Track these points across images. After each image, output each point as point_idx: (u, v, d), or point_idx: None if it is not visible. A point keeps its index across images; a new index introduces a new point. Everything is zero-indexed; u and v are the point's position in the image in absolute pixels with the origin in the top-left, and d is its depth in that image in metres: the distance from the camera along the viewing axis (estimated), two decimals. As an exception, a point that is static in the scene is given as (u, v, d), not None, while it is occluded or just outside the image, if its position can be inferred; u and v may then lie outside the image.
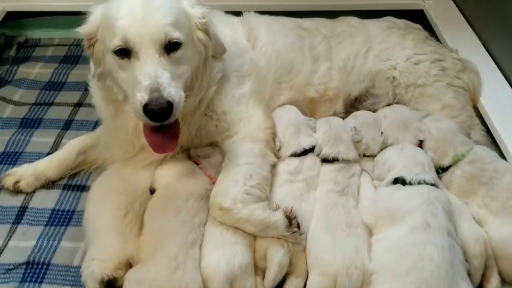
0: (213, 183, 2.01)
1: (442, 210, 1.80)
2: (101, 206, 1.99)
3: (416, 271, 1.62)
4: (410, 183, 1.90)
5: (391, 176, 1.95)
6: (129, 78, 1.78)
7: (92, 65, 2.04)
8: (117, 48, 1.77)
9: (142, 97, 1.69)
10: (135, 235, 1.90)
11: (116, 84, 1.92)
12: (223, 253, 1.77)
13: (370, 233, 1.90)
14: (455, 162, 2.09)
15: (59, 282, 1.91)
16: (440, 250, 1.66)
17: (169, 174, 2.06)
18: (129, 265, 1.82)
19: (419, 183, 1.89)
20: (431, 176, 1.95)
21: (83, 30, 1.89)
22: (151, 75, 1.71)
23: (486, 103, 2.42)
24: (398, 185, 1.90)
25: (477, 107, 2.46)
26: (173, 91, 1.72)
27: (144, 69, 1.73)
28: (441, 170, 2.11)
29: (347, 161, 2.13)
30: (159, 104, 1.68)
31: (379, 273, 1.71)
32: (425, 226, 1.73)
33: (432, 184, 1.91)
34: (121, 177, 2.09)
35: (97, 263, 1.79)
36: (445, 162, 2.11)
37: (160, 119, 1.72)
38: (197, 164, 2.12)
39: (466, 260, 1.77)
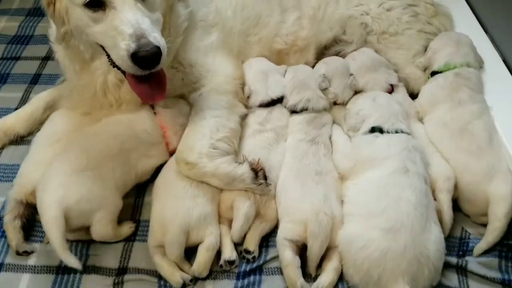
0: (164, 132, 2.01)
1: (420, 159, 1.84)
2: (42, 130, 2.12)
3: (393, 210, 1.67)
4: (388, 132, 1.91)
5: (368, 125, 1.97)
6: (107, 30, 1.71)
7: (52, 23, 1.96)
8: (88, 0, 1.70)
9: (128, 45, 1.64)
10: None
11: (84, 41, 1.86)
12: (182, 204, 1.80)
13: (341, 180, 1.92)
14: (445, 70, 2.14)
15: (30, 238, 1.93)
16: (417, 193, 1.71)
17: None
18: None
19: (396, 132, 1.91)
20: (406, 125, 1.97)
21: None
22: (133, 22, 1.66)
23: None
24: (376, 133, 1.92)
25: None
26: (157, 36, 1.69)
27: (124, 17, 1.67)
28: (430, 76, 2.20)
29: (317, 111, 2.12)
30: (149, 50, 1.63)
31: (354, 213, 1.75)
32: (405, 170, 1.77)
33: (408, 133, 1.93)
34: (73, 114, 2.11)
35: (16, 188, 1.95)
36: (435, 67, 2.19)
37: (151, 66, 1.68)
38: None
39: (434, 198, 1.83)
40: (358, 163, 1.87)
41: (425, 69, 2.31)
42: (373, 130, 1.94)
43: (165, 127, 2.04)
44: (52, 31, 2.03)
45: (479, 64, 2.24)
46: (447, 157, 1.96)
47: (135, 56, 1.64)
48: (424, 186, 1.76)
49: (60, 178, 1.80)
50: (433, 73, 2.23)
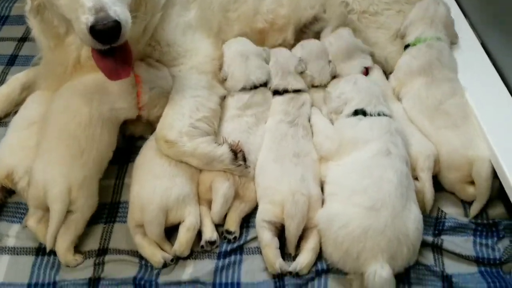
0: (138, 84, 1.98)
1: (402, 141, 1.87)
2: (18, 114, 2.10)
3: (375, 189, 1.70)
4: (371, 115, 1.94)
5: (351, 108, 1.98)
6: (70, 3, 1.68)
7: None
8: None
9: (87, 19, 1.61)
10: (31, 147, 1.92)
11: (57, 14, 1.84)
12: (160, 184, 1.80)
13: (322, 162, 1.94)
14: (415, 43, 2.20)
15: (8, 219, 1.94)
16: (399, 174, 1.74)
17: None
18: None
19: (378, 114, 1.94)
20: (387, 107, 2.00)
21: None
22: None
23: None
24: (360, 116, 1.94)
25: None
26: (119, 10, 1.65)
27: None
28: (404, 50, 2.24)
29: (296, 91, 2.13)
30: (106, 23, 1.60)
31: (336, 192, 1.77)
32: (387, 153, 1.79)
33: (389, 116, 1.96)
34: (48, 96, 2.06)
35: None
36: (407, 40, 2.24)
37: (109, 40, 1.65)
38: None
39: (415, 179, 1.86)
40: (341, 145, 1.89)
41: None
42: (356, 113, 1.96)
43: (140, 78, 1.99)
44: (28, 6, 1.99)
45: (453, 40, 2.29)
46: (425, 133, 2.01)
47: (93, 30, 1.61)
48: (405, 168, 1.79)
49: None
50: (406, 48, 2.27)
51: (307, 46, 2.29)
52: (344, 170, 1.83)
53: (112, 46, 1.68)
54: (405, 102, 2.12)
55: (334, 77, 2.24)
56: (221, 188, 1.84)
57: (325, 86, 2.23)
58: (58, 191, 1.76)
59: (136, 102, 1.99)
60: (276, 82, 2.15)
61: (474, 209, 1.88)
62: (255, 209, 1.88)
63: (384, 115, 1.94)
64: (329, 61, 2.24)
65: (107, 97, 1.93)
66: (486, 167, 1.85)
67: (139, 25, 1.96)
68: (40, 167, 1.81)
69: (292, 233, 1.73)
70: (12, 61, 2.55)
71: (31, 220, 1.83)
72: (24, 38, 2.66)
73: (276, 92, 2.14)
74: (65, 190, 1.76)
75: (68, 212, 1.78)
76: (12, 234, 1.88)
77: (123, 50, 1.75)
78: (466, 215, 1.91)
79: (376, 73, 2.26)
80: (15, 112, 2.21)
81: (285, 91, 2.13)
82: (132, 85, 1.98)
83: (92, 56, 1.77)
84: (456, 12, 2.46)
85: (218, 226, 1.87)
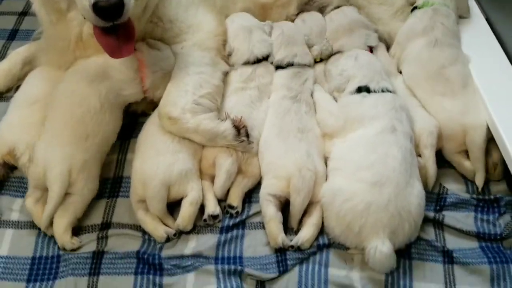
0: (141, 70, 1.98)
1: (406, 117, 1.87)
2: (19, 90, 2.08)
3: (379, 165, 1.71)
4: (374, 91, 1.93)
5: (354, 85, 1.97)
6: None
7: None
8: None
9: None
10: (33, 124, 1.93)
11: None
12: (163, 159, 1.81)
13: (325, 138, 1.94)
14: (422, 6, 2.19)
15: (12, 194, 1.93)
16: (403, 151, 1.75)
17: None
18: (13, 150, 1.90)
19: (382, 91, 1.93)
20: (390, 83, 1.99)
21: None
22: None
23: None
24: (364, 93, 1.93)
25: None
26: None
27: None
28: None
29: (302, 65, 2.12)
30: (109, 0, 1.59)
31: (341, 167, 1.78)
32: (392, 129, 1.80)
33: (393, 92, 1.96)
34: (50, 73, 2.07)
35: None
36: (417, 3, 2.23)
37: (112, 17, 1.63)
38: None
39: (419, 155, 1.87)
40: (347, 123, 1.89)
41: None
42: (359, 89, 1.95)
43: (143, 63, 1.99)
44: None
45: (465, 14, 2.28)
46: (423, 98, 2.01)
47: (96, 6, 1.60)
48: (409, 145, 1.79)
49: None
50: (413, 11, 2.25)
51: (309, 20, 2.27)
52: (349, 146, 1.83)
53: (114, 24, 1.66)
54: (405, 67, 2.11)
55: (335, 53, 2.21)
56: (224, 163, 1.84)
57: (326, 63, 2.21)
58: (58, 172, 1.76)
59: (141, 86, 1.99)
60: (280, 56, 2.13)
61: (478, 180, 1.89)
62: (257, 184, 1.89)
63: (388, 91, 1.93)
64: (325, 39, 2.22)
65: (114, 84, 1.94)
66: (480, 134, 1.86)
67: (141, 3, 1.94)
68: (42, 147, 1.82)
69: (297, 208, 1.75)
70: (12, 35, 2.52)
71: (29, 200, 1.83)
72: (25, 13, 2.64)
73: (279, 67, 2.13)
74: (65, 172, 1.76)
75: (67, 194, 1.79)
76: (16, 208, 1.89)
77: (125, 28, 1.74)
78: (468, 191, 1.92)
79: (380, 50, 2.23)
80: (17, 87, 2.20)
81: (290, 64, 2.11)
82: (136, 70, 1.98)
83: (94, 33, 1.75)
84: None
85: (221, 201, 1.88)
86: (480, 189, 1.89)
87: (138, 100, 2.02)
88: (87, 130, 1.84)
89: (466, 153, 1.93)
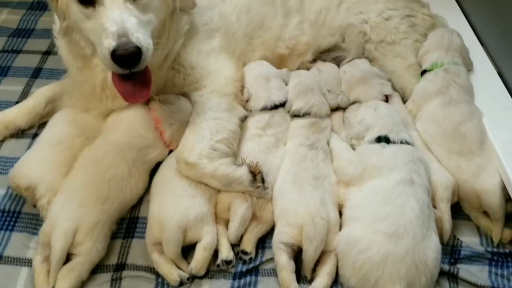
0: (158, 126, 2.04)
1: (424, 171, 1.89)
2: (45, 130, 2.12)
3: (397, 216, 1.72)
4: (394, 142, 1.96)
5: (373, 135, 2.00)
6: (95, 27, 1.74)
7: (56, 18, 2.00)
8: None
9: (109, 43, 1.66)
10: (56, 165, 1.97)
11: (83, 37, 1.89)
12: (180, 203, 1.83)
13: (343, 186, 1.95)
14: (432, 69, 2.23)
15: (30, 231, 1.95)
16: (421, 204, 1.76)
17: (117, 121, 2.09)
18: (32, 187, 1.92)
19: (401, 142, 1.96)
20: (409, 135, 2.02)
21: None
22: (118, 20, 1.68)
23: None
24: (383, 144, 1.96)
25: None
26: (141, 37, 1.70)
27: (110, 15, 1.69)
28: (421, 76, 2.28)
29: (319, 116, 2.15)
30: (127, 48, 1.65)
31: (358, 216, 1.79)
32: (410, 182, 1.82)
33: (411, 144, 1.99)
34: (76, 116, 2.13)
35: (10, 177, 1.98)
36: (423, 66, 2.29)
37: (130, 65, 1.69)
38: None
39: (434, 206, 1.88)
40: (365, 171, 1.90)
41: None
42: (379, 139, 1.98)
43: (159, 120, 2.06)
44: (56, 26, 2.05)
45: (468, 67, 2.32)
46: (439, 155, 2.03)
47: (114, 54, 1.66)
48: (427, 198, 1.81)
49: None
50: (423, 73, 2.31)
51: (325, 71, 2.33)
52: (366, 196, 1.85)
53: (132, 71, 1.72)
54: (421, 125, 2.14)
55: (352, 102, 2.27)
56: (240, 209, 1.86)
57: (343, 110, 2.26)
58: (63, 230, 1.76)
59: (163, 143, 2.05)
60: (297, 106, 2.17)
61: (495, 236, 1.90)
62: (271, 230, 1.90)
63: (407, 143, 1.96)
64: (341, 91, 2.28)
65: (140, 153, 1.99)
66: (494, 198, 1.87)
67: (162, 51, 2.01)
68: (58, 204, 1.84)
69: (309, 256, 1.75)
70: (36, 73, 2.60)
71: (37, 258, 1.79)
72: (49, 52, 2.73)
73: (296, 115, 2.17)
74: (70, 231, 1.76)
75: (74, 254, 1.78)
76: (33, 246, 1.90)
77: (142, 74, 1.80)
78: (482, 244, 1.92)
79: (396, 101, 2.28)
80: (39, 125, 2.27)
81: (306, 114, 2.15)
82: (154, 130, 2.05)
83: (112, 79, 1.82)
84: (472, 41, 2.50)
85: (234, 246, 1.89)
86: (495, 244, 1.90)
87: (165, 157, 2.06)
88: (108, 194, 1.87)
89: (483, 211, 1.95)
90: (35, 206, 1.96)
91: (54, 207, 1.84)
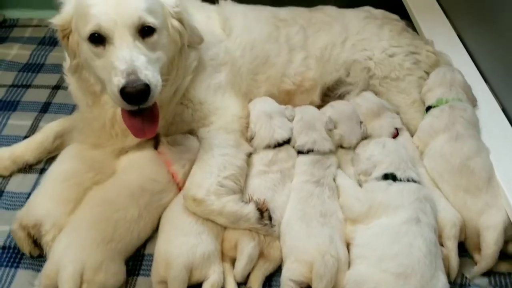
0: (169, 167, 2.06)
1: (431, 209, 1.90)
2: (54, 165, 2.12)
3: (404, 255, 1.72)
4: (400, 180, 1.97)
5: (380, 172, 2.01)
6: (105, 65, 1.78)
7: (67, 55, 2.04)
8: (91, 34, 1.77)
9: (118, 81, 1.70)
10: (62, 201, 1.97)
11: (93, 74, 1.92)
12: (187, 241, 1.83)
13: (350, 223, 1.95)
14: (437, 105, 2.24)
15: (35, 268, 1.95)
16: (428, 243, 1.77)
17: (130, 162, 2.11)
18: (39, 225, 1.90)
19: (407, 180, 1.97)
20: (416, 172, 2.03)
21: (56, 21, 1.89)
22: (127, 59, 1.72)
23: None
24: (390, 181, 1.97)
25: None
26: (150, 74, 1.74)
27: (119, 54, 1.73)
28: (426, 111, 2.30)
29: (322, 153, 2.16)
30: (136, 86, 1.69)
31: (366, 255, 1.79)
32: (417, 221, 1.82)
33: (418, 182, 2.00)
34: (85, 152, 2.14)
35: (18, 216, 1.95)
36: (428, 103, 2.30)
37: (138, 102, 1.73)
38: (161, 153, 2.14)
39: (441, 244, 1.88)
40: (372, 208, 1.91)
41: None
42: (386, 176, 1.99)
43: (170, 163, 2.08)
44: (66, 64, 2.10)
45: (472, 103, 2.33)
46: (446, 192, 2.03)
47: (123, 91, 1.69)
48: (434, 236, 1.81)
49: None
50: (428, 109, 2.32)
51: (337, 106, 2.34)
52: (373, 234, 1.85)
53: (140, 107, 1.76)
54: (428, 161, 2.15)
55: (364, 138, 2.27)
56: (247, 247, 1.86)
57: (353, 148, 2.26)
58: (70, 273, 1.74)
59: (176, 185, 2.06)
60: (300, 142, 2.19)
61: (474, 273, 1.89)
62: (278, 268, 1.90)
63: (413, 181, 1.97)
64: (361, 122, 2.27)
65: (153, 197, 2.00)
66: (492, 235, 1.87)
67: (170, 88, 2.05)
68: (62, 245, 1.83)
69: (319, 294, 1.74)
70: (45, 108, 2.63)
71: None
72: (58, 86, 2.77)
73: (301, 152, 2.18)
74: (77, 273, 1.74)
75: None
76: (37, 283, 1.87)
77: (151, 110, 1.83)
78: (490, 282, 1.90)
79: (405, 135, 2.30)
80: (47, 160, 2.29)
81: (310, 151, 2.16)
82: (167, 173, 2.06)
83: (122, 115, 1.86)
84: (476, 77, 2.52)
85: (240, 284, 1.88)
86: (471, 278, 1.88)
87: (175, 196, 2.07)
88: (113, 235, 1.86)
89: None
90: (38, 245, 1.94)
91: (58, 247, 1.83)
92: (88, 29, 1.77)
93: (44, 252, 1.91)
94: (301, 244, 1.84)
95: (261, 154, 2.15)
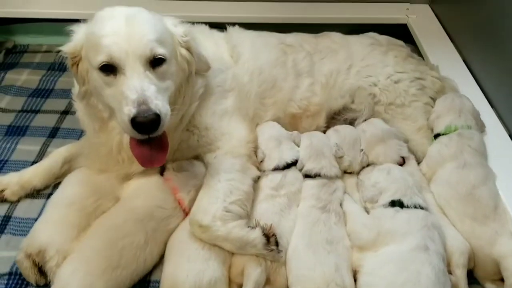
0: (175, 194, 2.06)
1: (439, 236, 1.89)
2: (57, 191, 2.13)
3: (412, 283, 1.71)
4: (407, 206, 1.96)
5: (387, 199, 2.01)
6: (116, 94, 1.80)
7: (75, 82, 2.06)
8: (102, 64, 1.79)
9: (129, 110, 1.71)
10: (66, 226, 1.96)
11: (102, 101, 1.94)
12: (194, 267, 1.82)
13: (357, 250, 1.94)
14: (447, 132, 2.23)
15: (41, 294, 1.94)
16: (436, 271, 1.75)
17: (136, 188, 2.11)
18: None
19: (414, 206, 1.96)
20: (423, 199, 2.03)
21: (66, 49, 1.91)
22: (138, 89, 1.73)
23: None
24: (397, 208, 1.96)
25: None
26: (160, 104, 1.75)
27: (130, 84, 1.75)
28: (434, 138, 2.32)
29: (329, 178, 2.17)
30: (147, 116, 1.70)
31: (373, 284, 1.78)
32: (425, 248, 1.81)
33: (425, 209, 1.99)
34: (89, 177, 2.15)
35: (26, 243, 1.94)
36: (437, 130, 2.31)
37: (149, 131, 1.74)
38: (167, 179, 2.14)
39: (449, 272, 1.86)
40: (379, 235, 1.90)
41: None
42: (393, 203, 1.99)
43: (176, 189, 2.09)
44: (75, 90, 2.12)
45: (481, 129, 2.33)
46: (453, 219, 2.02)
47: (134, 121, 1.70)
48: (442, 265, 1.80)
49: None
50: (436, 136, 2.32)
51: (342, 131, 2.35)
52: (380, 262, 1.83)
53: (150, 136, 1.77)
54: (435, 188, 2.15)
55: (367, 165, 2.28)
56: (253, 273, 1.85)
57: (356, 173, 2.28)
58: None
59: (182, 211, 2.07)
60: (309, 166, 2.20)
61: None
62: (284, 294, 1.88)
63: (421, 207, 1.96)
64: (361, 150, 2.29)
65: (161, 224, 2.00)
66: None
67: (177, 115, 2.06)
68: (67, 272, 1.82)
69: (324, 323, 1.72)
70: (54, 133, 2.65)
71: None
72: (66, 111, 2.78)
73: (307, 176, 2.19)
74: None
75: None
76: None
77: (160, 139, 1.84)
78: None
79: (412, 163, 2.29)
80: (55, 185, 2.29)
81: (317, 175, 2.17)
82: (174, 200, 2.07)
83: (130, 144, 1.86)
84: (482, 103, 2.54)
85: (247, 310, 1.86)
86: None
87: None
88: (119, 262, 1.85)
89: (499, 280, 1.92)
90: (43, 274, 1.93)
91: (63, 274, 1.82)
92: (99, 59, 1.78)
93: (49, 279, 1.90)
94: (307, 273, 1.83)
95: (269, 177, 2.16)
